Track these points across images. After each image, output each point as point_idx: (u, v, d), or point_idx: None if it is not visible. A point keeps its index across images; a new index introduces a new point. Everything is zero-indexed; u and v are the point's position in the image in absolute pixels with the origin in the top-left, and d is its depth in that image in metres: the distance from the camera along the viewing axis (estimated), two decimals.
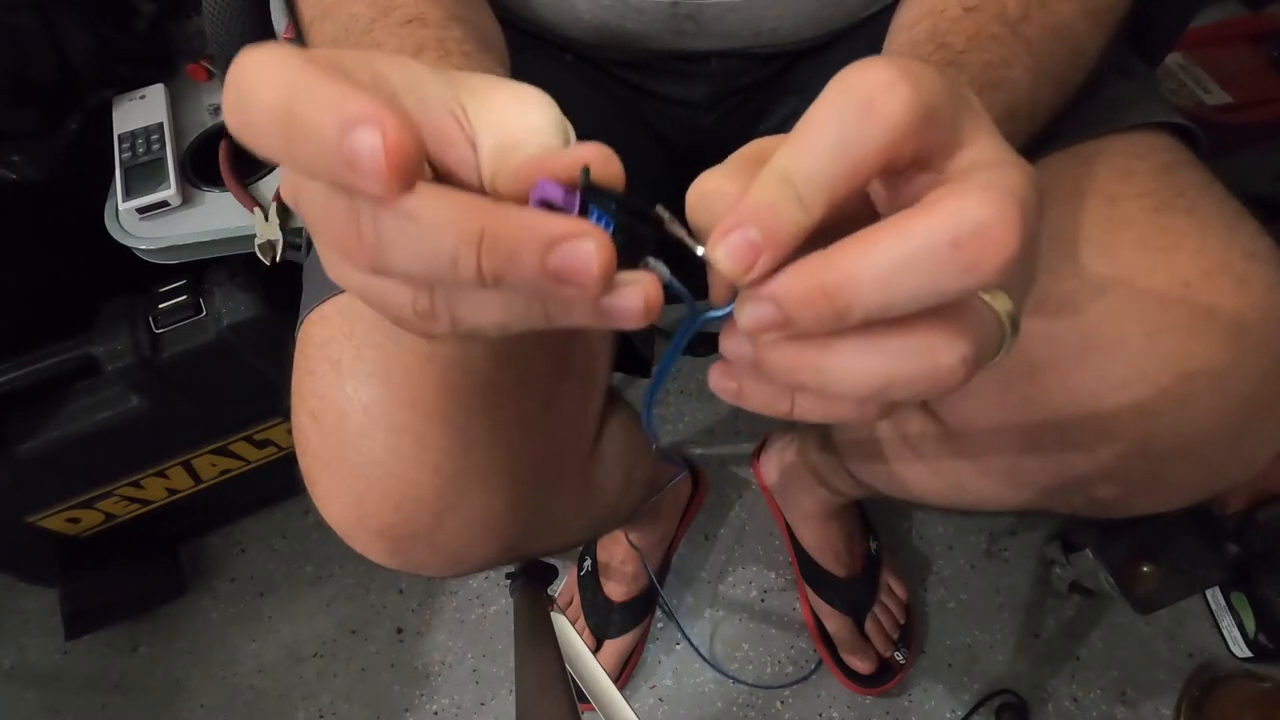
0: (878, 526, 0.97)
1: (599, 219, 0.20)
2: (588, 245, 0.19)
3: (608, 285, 0.20)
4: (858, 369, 0.21)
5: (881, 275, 0.19)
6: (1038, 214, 0.21)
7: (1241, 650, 0.88)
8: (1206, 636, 0.91)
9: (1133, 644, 0.92)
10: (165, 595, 1.03)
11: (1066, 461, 0.38)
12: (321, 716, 0.95)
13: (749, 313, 0.21)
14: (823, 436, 0.79)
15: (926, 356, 0.21)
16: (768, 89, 0.55)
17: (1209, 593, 0.91)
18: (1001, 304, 0.23)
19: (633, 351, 0.51)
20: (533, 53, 0.53)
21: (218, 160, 0.75)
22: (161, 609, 1.03)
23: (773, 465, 0.98)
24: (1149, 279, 0.34)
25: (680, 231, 0.22)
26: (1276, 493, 0.83)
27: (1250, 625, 0.86)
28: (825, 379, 0.22)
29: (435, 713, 0.94)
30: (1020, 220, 0.19)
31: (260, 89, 0.19)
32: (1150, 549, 0.84)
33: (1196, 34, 0.97)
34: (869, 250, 0.20)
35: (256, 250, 0.71)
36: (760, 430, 1.05)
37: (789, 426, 0.98)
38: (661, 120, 0.57)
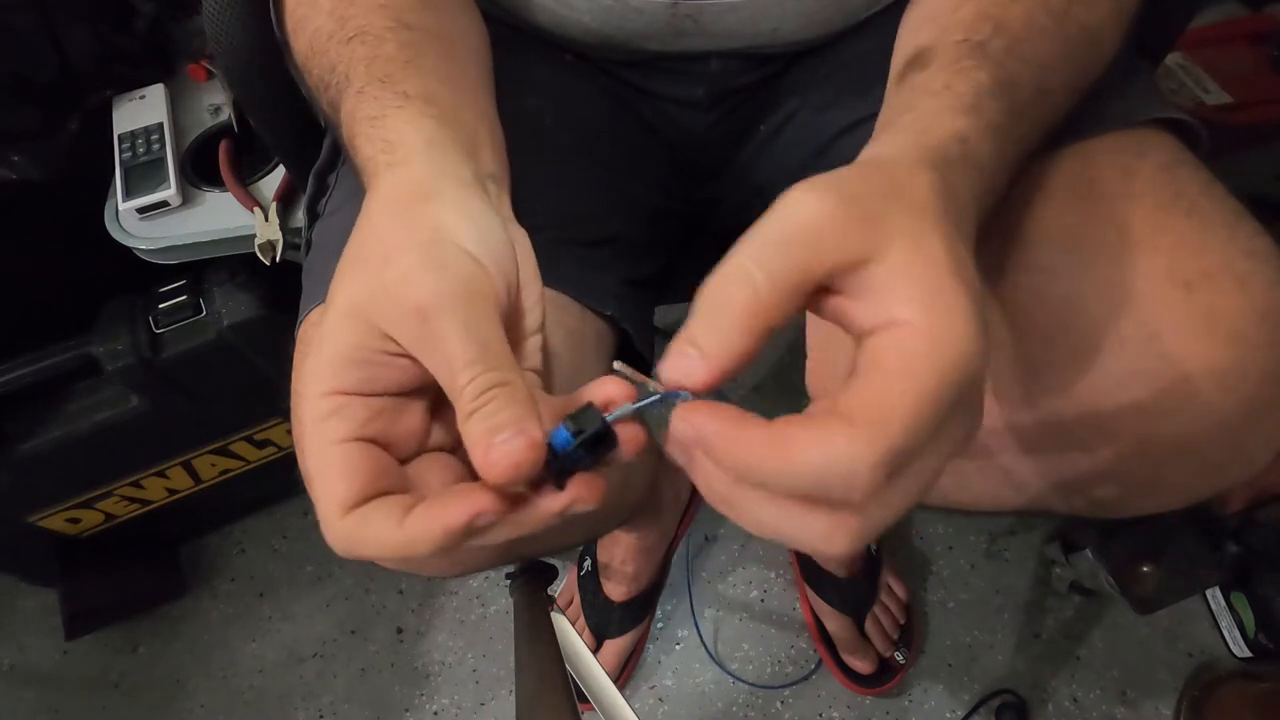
0: None
1: (571, 434, 0.27)
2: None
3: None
4: (754, 514, 0.25)
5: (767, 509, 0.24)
6: (944, 380, 0.23)
7: (1241, 650, 0.88)
8: (1206, 636, 0.91)
9: (1133, 644, 0.92)
10: (165, 595, 1.03)
11: (1067, 461, 0.38)
12: (321, 716, 0.95)
13: (679, 429, 0.25)
14: None
15: (814, 534, 0.24)
16: (767, 89, 0.55)
17: (1209, 593, 0.91)
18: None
19: (633, 352, 0.51)
20: (532, 53, 0.53)
21: (218, 160, 0.75)
22: (161, 609, 1.03)
23: None
24: (1149, 279, 0.34)
25: (629, 409, 0.27)
26: (1276, 493, 0.83)
27: (1250, 625, 0.86)
28: (730, 508, 0.25)
29: (435, 713, 0.94)
30: (874, 476, 0.22)
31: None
32: (1150, 549, 0.84)
33: (1196, 34, 0.97)
34: (751, 466, 0.23)
35: (256, 250, 0.71)
36: None
37: None
38: (661, 120, 0.57)
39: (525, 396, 0.27)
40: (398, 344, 0.28)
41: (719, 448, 0.24)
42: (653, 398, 0.26)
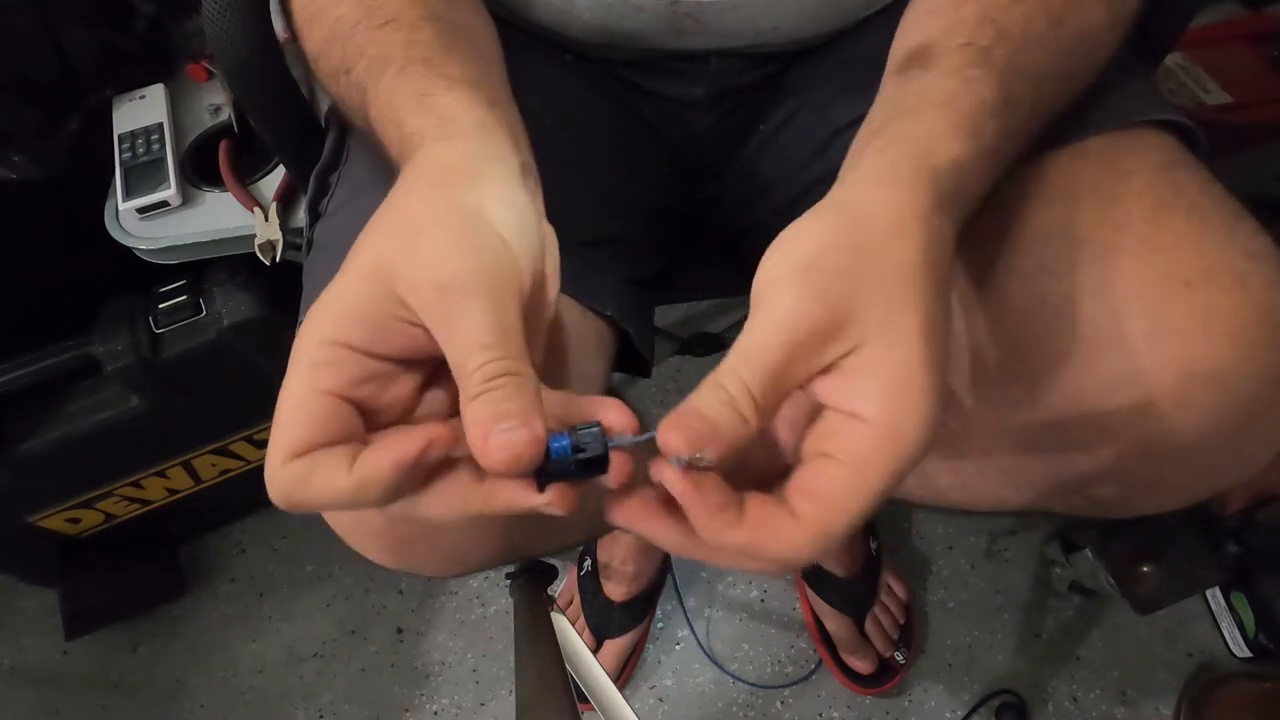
0: (878, 526, 0.97)
1: (571, 447, 0.27)
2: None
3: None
4: (723, 561, 0.28)
5: (725, 560, 0.28)
6: (895, 472, 0.26)
7: (1241, 650, 0.88)
8: (1206, 636, 0.91)
9: (1133, 644, 0.92)
10: (165, 595, 1.03)
11: (1066, 461, 0.38)
12: (321, 716, 0.95)
13: (672, 479, 0.27)
14: None
15: (758, 571, 0.29)
16: (767, 89, 0.55)
17: (1209, 593, 0.91)
18: None
19: (633, 351, 0.51)
20: (532, 52, 0.53)
21: (218, 160, 0.75)
22: (161, 609, 1.03)
23: None
24: (1149, 279, 0.34)
25: (628, 441, 0.28)
26: (1276, 493, 0.83)
27: (1250, 625, 0.86)
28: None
29: (435, 713, 0.94)
30: (813, 557, 0.27)
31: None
32: (1150, 549, 0.84)
33: (1196, 34, 0.97)
34: (720, 543, 0.27)
35: (256, 250, 0.71)
36: None
37: None
38: (661, 120, 0.57)
39: (534, 391, 0.27)
40: (413, 312, 0.28)
41: (694, 519, 0.27)
42: (651, 434, 0.27)
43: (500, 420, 0.25)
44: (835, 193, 0.31)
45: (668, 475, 0.26)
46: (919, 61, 0.35)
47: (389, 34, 0.36)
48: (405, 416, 0.30)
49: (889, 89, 0.35)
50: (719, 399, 0.26)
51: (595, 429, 0.27)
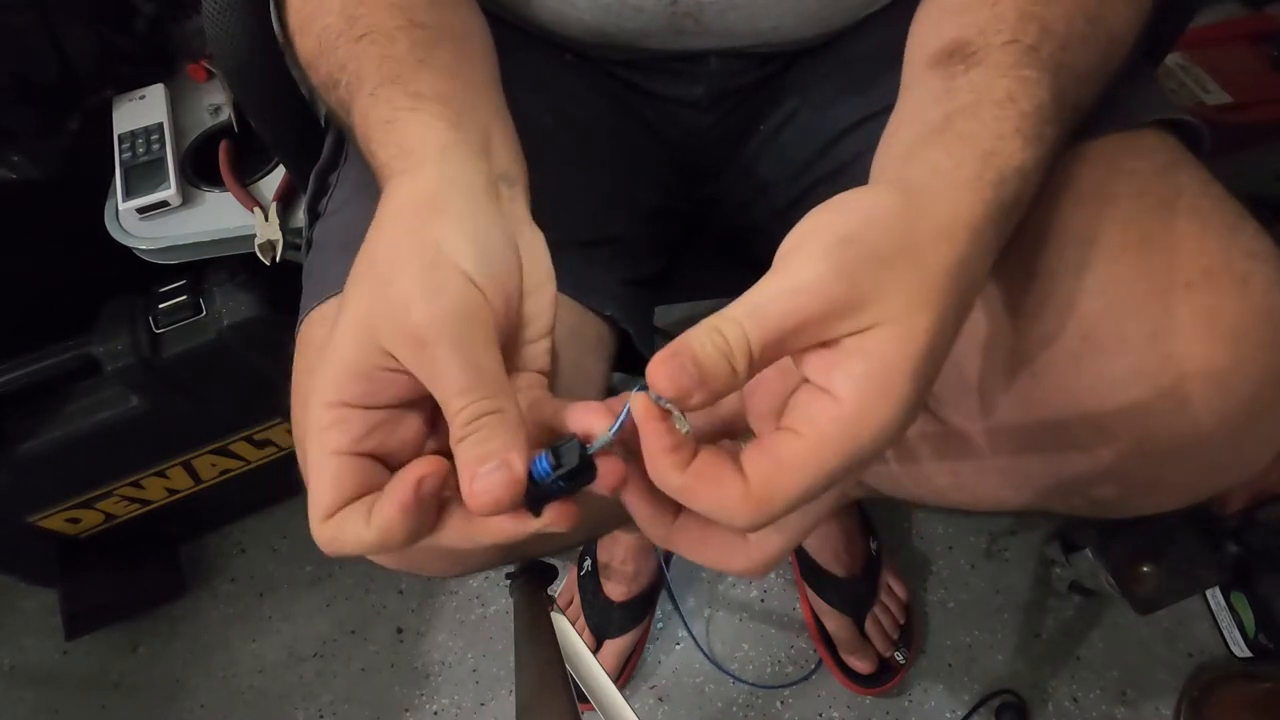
0: (878, 526, 0.97)
1: (551, 466, 0.28)
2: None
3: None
4: (689, 553, 0.31)
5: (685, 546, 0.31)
6: (864, 456, 0.26)
7: (1241, 650, 0.88)
8: (1206, 636, 0.91)
9: (1133, 644, 0.92)
10: (165, 595, 1.03)
11: (1066, 461, 0.38)
12: (321, 716, 0.95)
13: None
14: None
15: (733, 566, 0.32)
16: (766, 89, 0.55)
17: (1209, 593, 0.91)
18: None
19: (633, 351, 0.51)
20: (532, 52, 0.53)
21: (218, 160, 0.75)
22: (161, 609, 1.03)
23: None
24: (1150, 279, 0.34)
25: (607, 439, 0.28)
26: (1276, 493, 0.83)
27: (1250, 625, 0.86)
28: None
29: (435, 713, 0.94)
30: (757, 515, 0.26)
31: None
32: (1150, 549, 0.84)
33: (1196, 34, 0.97)
34: (699, 508, 0.27)
35: (256, 250, 0.71)
36: None
37: None
38: (661, 120, 0.57)
39: (515, 423, 0.28)
40: (398, 361, 0.29)
41: (647, 451, 0.27)
42: (625, 412, 0.27)
43: (481, 462, 0.27)
44: (899, 176, 0.30)
45: (638, 402, 0.26)
46: (959, 58, 0.34)
47: (365, 48, 0.37)
48: (418, 453, 0.31)
49: (931, 83, 0.35)
50: (714, 344, 0.26)
51: (571, 443, 0.28)
